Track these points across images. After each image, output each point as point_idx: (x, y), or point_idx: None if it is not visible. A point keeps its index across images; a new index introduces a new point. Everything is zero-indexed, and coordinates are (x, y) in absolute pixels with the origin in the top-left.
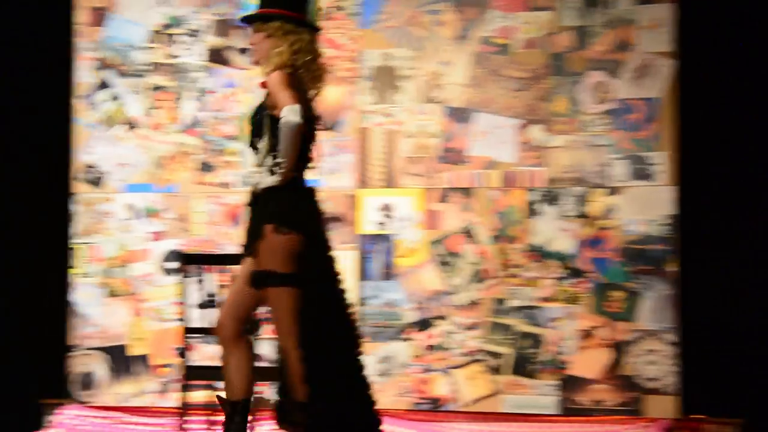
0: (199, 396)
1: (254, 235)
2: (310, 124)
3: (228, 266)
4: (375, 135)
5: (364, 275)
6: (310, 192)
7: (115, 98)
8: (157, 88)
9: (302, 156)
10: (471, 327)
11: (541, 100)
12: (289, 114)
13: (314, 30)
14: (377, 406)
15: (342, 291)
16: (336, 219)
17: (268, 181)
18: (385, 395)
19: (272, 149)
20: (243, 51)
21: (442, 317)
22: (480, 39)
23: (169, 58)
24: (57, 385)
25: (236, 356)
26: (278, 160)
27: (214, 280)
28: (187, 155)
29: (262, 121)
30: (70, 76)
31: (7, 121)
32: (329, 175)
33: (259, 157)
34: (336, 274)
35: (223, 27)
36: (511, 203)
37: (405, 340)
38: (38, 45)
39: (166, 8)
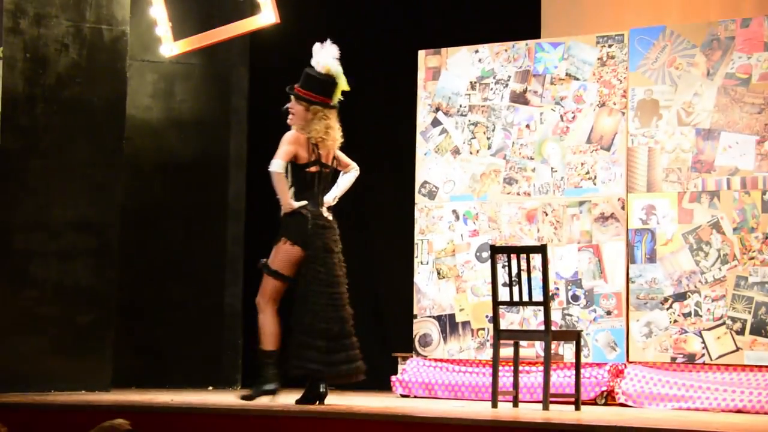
0: (506, 351)
1: (274, 243)
2: (319, 169)
3: (528, 254)
4: (640, 152)
5: (632, 260)
6: (315, 217)
7: (443, 132)
8: (474, 123)
9: (305, 192)
10: (718, 298)
11: None
12: (272, 165)
13: (334, 108)
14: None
15: (331, 284)
16: (610, 217)
17: (283, 209)
18: (649, 351)
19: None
20: (537, 94)
21: (694, 291)
22: (724, 75)
23: (483, 100)
24: (406, 344)
25: (269, 318)
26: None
27: (516, 265)
28: (496, 172)
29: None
30: (416, 118)
31: (381, 153)
32: (604, 184)
33: None
34: (322, 272)
35: (523, 75)
36: (749, 201)
37: (665, 309)
38: (395, 97)
39: (481, 64)
